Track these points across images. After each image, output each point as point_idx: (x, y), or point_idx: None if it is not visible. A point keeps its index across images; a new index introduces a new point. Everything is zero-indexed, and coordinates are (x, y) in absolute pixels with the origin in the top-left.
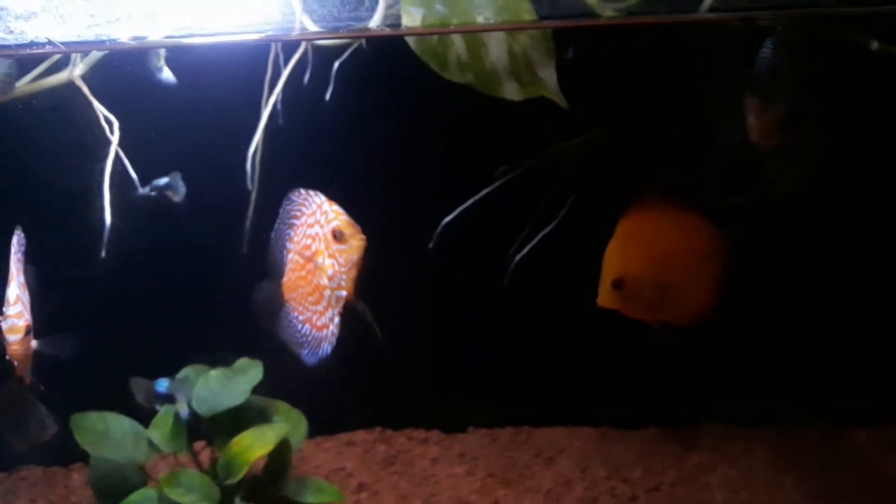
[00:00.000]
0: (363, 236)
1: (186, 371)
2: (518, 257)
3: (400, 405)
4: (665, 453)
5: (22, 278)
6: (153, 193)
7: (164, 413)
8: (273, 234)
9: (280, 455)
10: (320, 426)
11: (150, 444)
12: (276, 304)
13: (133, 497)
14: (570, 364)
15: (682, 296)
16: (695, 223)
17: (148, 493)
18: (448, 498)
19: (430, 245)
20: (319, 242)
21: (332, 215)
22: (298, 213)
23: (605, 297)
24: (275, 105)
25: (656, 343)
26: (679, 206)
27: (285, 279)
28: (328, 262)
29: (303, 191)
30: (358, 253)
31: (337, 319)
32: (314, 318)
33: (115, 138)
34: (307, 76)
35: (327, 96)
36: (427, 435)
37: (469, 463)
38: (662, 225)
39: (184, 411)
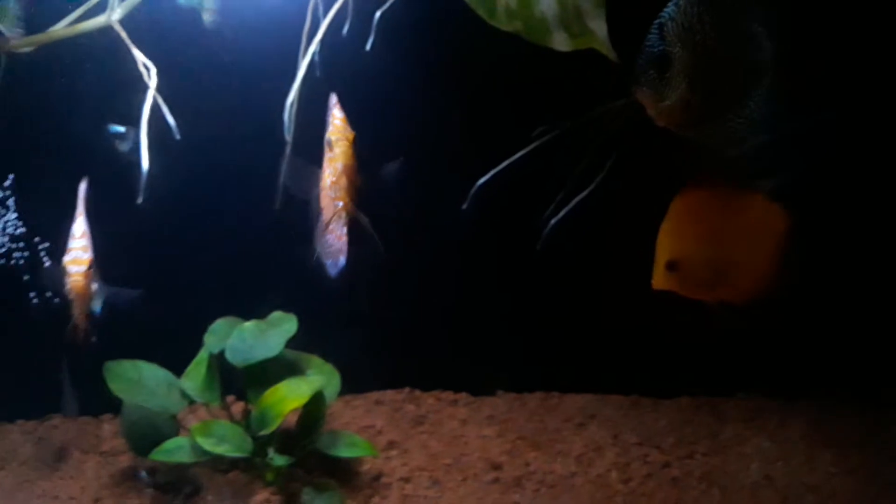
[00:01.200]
0: (349, 138)
1: (220, 323)
2: (553, 221)
3: (429, 367)
4: (698, 423)
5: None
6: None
7: (196, 362)
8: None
9: (314, 408)
10: (350, 385)
11: (183, 393)
12: (315, 217)
13: (166, 445)
14: (601, 331)
15: (740, 275)
16: (749, 200)
17: (180, 441)
18: (478, 458)
19: (464, 206)
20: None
21: (330, 127)
22: (328, 124)
23: (659, 279)
24: (313, 56)
25: (716, 323)
26: (732, 182)
27: (319, 191)
28: (327, 171)
29: (335, 98)
30: (342, 160)
31: (344, 230)
32: (334, 230)
33: (152, 84)
34: (346, 27)
35: (367, 46)
36: (456, 397)
37: (498, 425)
38: (716, 203)
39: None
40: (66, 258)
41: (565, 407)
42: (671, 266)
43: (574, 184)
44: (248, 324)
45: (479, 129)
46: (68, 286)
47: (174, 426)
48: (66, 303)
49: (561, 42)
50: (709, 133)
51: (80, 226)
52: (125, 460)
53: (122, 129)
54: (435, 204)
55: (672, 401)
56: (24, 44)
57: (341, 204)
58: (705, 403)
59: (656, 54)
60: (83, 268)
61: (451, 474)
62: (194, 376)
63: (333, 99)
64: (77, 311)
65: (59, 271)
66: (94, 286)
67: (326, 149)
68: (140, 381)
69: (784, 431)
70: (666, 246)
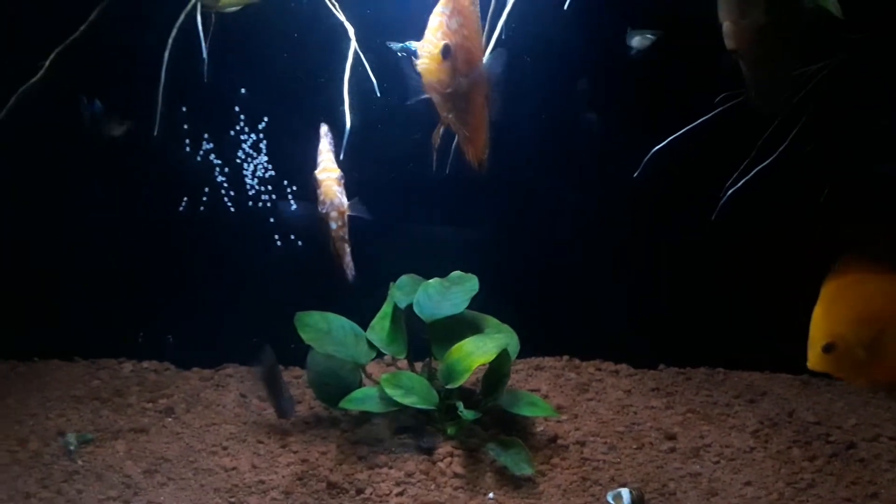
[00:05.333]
0: (426, 59)
1: (404, 279)
2: (731, 192)
3: (589, 336)
4: (880, 407)
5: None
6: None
7: (381, 315)
8: None
9: (499, 365)
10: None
11: (370, 344)
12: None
13: (355, 394)
14: (771, 307)
15: (894, 353)
16: None
17: (369, 391)
18: (650, 428)
19: (636, 173)
20: None
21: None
22: None
23: (815, 360)
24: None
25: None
26: (884, 262)
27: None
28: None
29: None
30: (425, 76)
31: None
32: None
33: (353, 44)
34: None
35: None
36: (616, 367)
37: (665, 397)
38: (869, 283)
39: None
40: (317, 170)
41: (732, 383)
42: (827, 348)
43: (756, 153)
44: (433, 281)
45: (661, 95)
46: (322, 196)
47: (357, 376)
48: (318, 222)
49: None
50: (769, 73)
51: (325, 145)
52: (304, 408)
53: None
54: (607, 172)
55: (847, 384)
56: (233, 2)
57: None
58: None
59: None
60: (335, 175)
61: (625, 441)
62: (379, 329)
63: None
64: (335, 226)
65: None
66: (345, 200)
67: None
68: (329, 331)
69: None
70: (821, 327)
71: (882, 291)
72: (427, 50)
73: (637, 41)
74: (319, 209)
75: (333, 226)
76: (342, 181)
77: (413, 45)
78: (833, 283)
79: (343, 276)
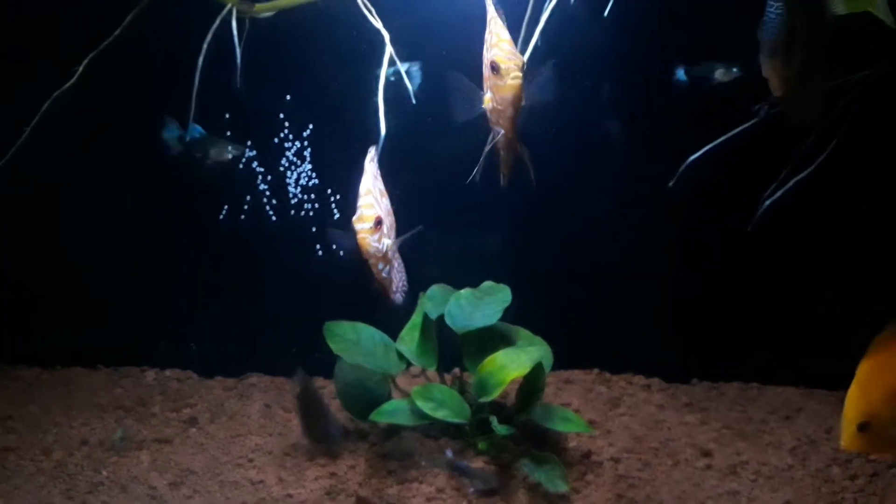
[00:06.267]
0: (518, 65)
1: (435, 289)
2: (769, 203)
3: (619, 349)
4: None
5: (376, 180)
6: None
7: (410, 326)
8: None
9: (534, 379)
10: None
11: (400, 356)
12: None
13: (386, 407)
14: (808, 321)
15: None
16: None
17: (399, 404)
18: (685, 444)
19: (671, 184)
20: (484, 67)
21: (493, 38)
22: (487, 42)
23: (849, 440)
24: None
25: None
26: None
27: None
28: (486, 94)
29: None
30: (513, 92)
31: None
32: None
33: (388, 50)
34: None
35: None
36: (648, 381)
37: (699, 413)
38: None
39: None
40: (355, 217)
41: (767, 399)
42: (863, 427)
43: (794, 164)
44: (464, 291)
45: (695, 102)
46: (359, 247)
47: (387, 388)
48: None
49: (839, 4)
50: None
51: (365, 183)
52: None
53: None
54: (640, 182)
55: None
56: (267, 8)
57: (502, 131)
58: None
59: (782, 26)
60: (368, 224)
61: (660, 458)
62: (409, 340)
63: (491, 10)
64: (375, 270)
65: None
66: (385, 242)
67: (490, 71)
68: (359, 342)
69: None
70: (856, 406)
71: None
72: (513, 65)
73: (720, 74)
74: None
75: (374, 269)
76: (380, 226)
77: (498, 59)
78: (870, 360)
79: (388, 301)
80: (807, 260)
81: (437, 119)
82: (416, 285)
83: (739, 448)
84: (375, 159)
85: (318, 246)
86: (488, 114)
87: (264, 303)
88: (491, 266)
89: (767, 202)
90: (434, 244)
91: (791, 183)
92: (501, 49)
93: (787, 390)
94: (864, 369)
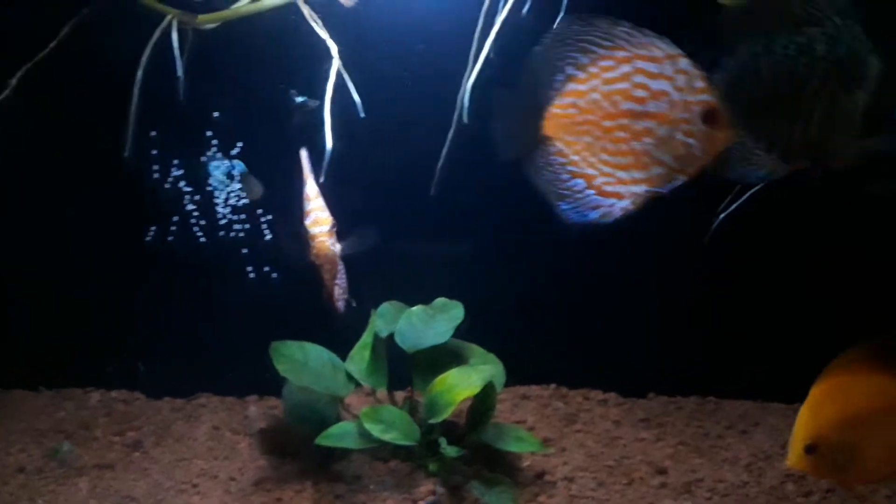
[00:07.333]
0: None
1: (386, 307)
2: (722, 216)
3: (577, 364)
4: None
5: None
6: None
7: (360, 345)
8: (540, 48)
9: (485, 398)
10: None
11: (349, 376)
12: (526, 131)
13: (333, 430)
14: (764, 334)
15: (875, 459)
16: (892, 385)
17: (347, 426)
18: (640, 461)
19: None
20: (672, 109)
21: (699, 84)
22: (609, 45)
23: (795, 459)
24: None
25: None
26: (880, 360)
27: (550, 111)
28: (682, 137)
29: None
30: (724, 143)
31: (643, 193)
32: (599, 180)
33: (335, 63)
34: (527, 5)
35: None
36: (605, 396)
37: (656, 429)
38: (859, 385)
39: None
40: (308, 220)
41: (725, 412)
42: (809, 449)
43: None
44: (416, 308)
45: None
46: (314, 250)
47: (336, 410)
48: (311, 269)
49: None
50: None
51: (312, 186)
52: (277, 443)
53: (305, 99)
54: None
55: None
56: (210, 19)
57: (682, 179)
58: None
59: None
60: (326, 227)
61: (614, 476)
62: (359, 360)
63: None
64: (329, 279)
65: (302, 237)
66: (337, 246)
67: (698, 114)
68: (306, 362)
69: None
70: (806, 428)
71: (871, 391)
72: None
73: None
74: (312, 259)
75: (326, 275)
76: (335, 229)
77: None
78: (823, 383)
79: (334, 309)
80: (765, 272)
81: (387, 132)
82: (369, 302)
83: (695, 465)
84: (309, 165)
85: (267, 264)
86: (667, 156)
87: (215, 320)
88: (447, 281)
89: (722, 216)
90: (388, 259)
91: (746, 196)
92: (715, 97)
93: (744, 404)
94: (816, 392)
